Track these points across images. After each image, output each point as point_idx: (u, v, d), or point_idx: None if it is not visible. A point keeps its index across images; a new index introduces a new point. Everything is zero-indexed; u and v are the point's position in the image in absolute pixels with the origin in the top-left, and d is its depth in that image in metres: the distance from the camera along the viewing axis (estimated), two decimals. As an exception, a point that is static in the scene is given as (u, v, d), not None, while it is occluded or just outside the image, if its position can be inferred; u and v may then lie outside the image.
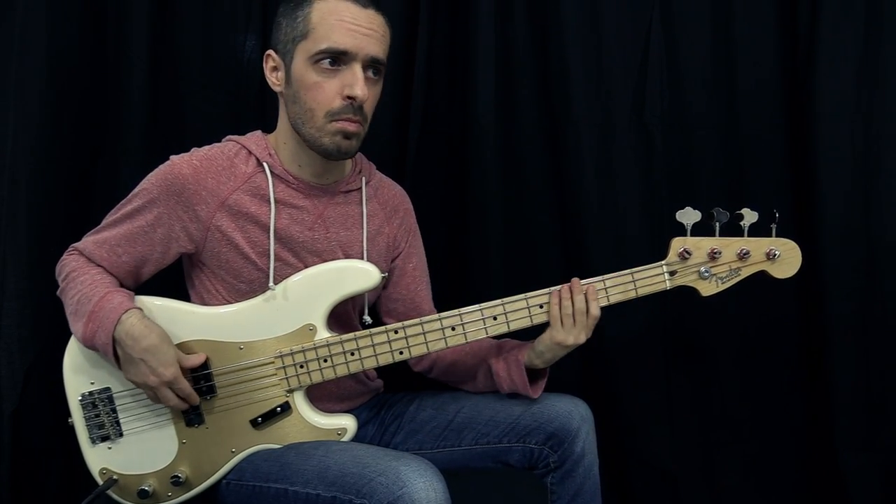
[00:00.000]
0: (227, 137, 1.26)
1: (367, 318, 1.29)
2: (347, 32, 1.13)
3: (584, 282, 1.21)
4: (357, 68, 1.14)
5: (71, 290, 1.19)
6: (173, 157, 1.21)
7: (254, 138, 1.25)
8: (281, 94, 1.21)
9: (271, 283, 1.19)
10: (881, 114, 1.64)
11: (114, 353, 1.13)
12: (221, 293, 1.22)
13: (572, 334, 1.19)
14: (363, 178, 1.30)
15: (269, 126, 1.29)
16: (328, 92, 1.14)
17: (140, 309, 1.16)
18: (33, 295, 1.47)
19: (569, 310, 1.19)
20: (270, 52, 1.21)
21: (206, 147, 1.23)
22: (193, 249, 1.22)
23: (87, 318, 1.14)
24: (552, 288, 1.21)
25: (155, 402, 1.16)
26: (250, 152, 1.22)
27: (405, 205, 1.40)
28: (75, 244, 1.25)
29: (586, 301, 1.19)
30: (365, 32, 1.14)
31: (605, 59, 1.67)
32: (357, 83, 1.13)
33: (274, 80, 1.21)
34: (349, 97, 1.14)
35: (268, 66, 1.21)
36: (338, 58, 1.13)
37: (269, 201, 1.20)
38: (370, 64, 1.16)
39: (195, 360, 1.16)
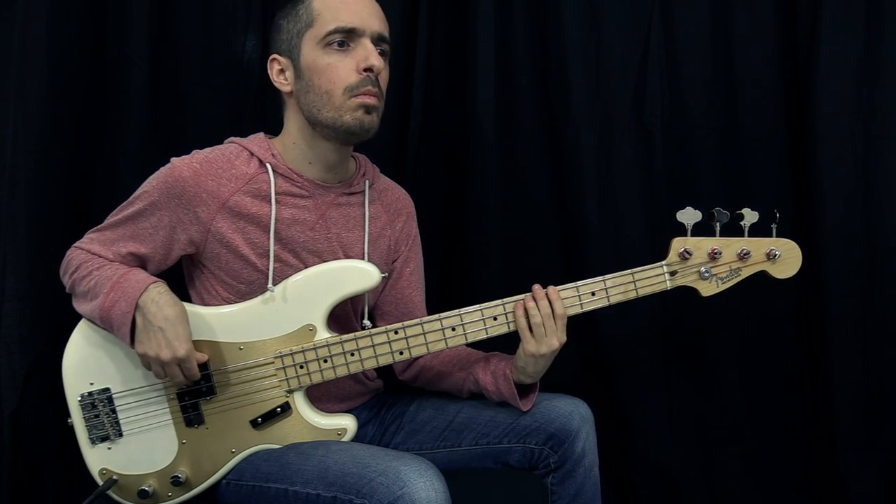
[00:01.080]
0: (229, 139, 1.26)
1: (367, 322, 1.28)
2: (352, 11, 1.16)
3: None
4: (367, 42, 1.17)
5: (85, 277, 1.19)
6: (174, 160, 1.21)
7: (256, 140, 1.25)
8: (290, 95, 1.21)
9: (270, 285, 1.19)
10: (881, 114, 1.64)
11: (131, 324, 1.12)
12: (221, 294, 1.22)
13: (544, 342, 1.17)
14: (366, 181, 1.30)
15: (268, 126, 1.29)
16: (343, 70, 1.16)
17: (166, 284, 1.17)
18: (33, 295, 1.47)
19: (537, 318, 1.17)
20: (275, 56, 1.22)
21: (207, 149, 1.23)
22: (194, 251, 1.22)
23: (108, 290, 1.14)
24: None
25: (160, 377, 1.15)
26: (252, 153, 1.22)
27: (408, 209, 1.40)
28: (78, 243, 1.25)
29: (550, 304, 1.18)
30: (369, 11, 1.18)
31: (605, 59, 1.67)
32: (371, 54, 1.16)
33: (282, 80, 1.22)
34: (366, 69, 1.16)
35: (273, 70, 1.22)
36: (347, 36, 1.16)
37: (270, 202, 1.20)
38: (377, 41, 1.18)
39: (199, 357, 1.16)
